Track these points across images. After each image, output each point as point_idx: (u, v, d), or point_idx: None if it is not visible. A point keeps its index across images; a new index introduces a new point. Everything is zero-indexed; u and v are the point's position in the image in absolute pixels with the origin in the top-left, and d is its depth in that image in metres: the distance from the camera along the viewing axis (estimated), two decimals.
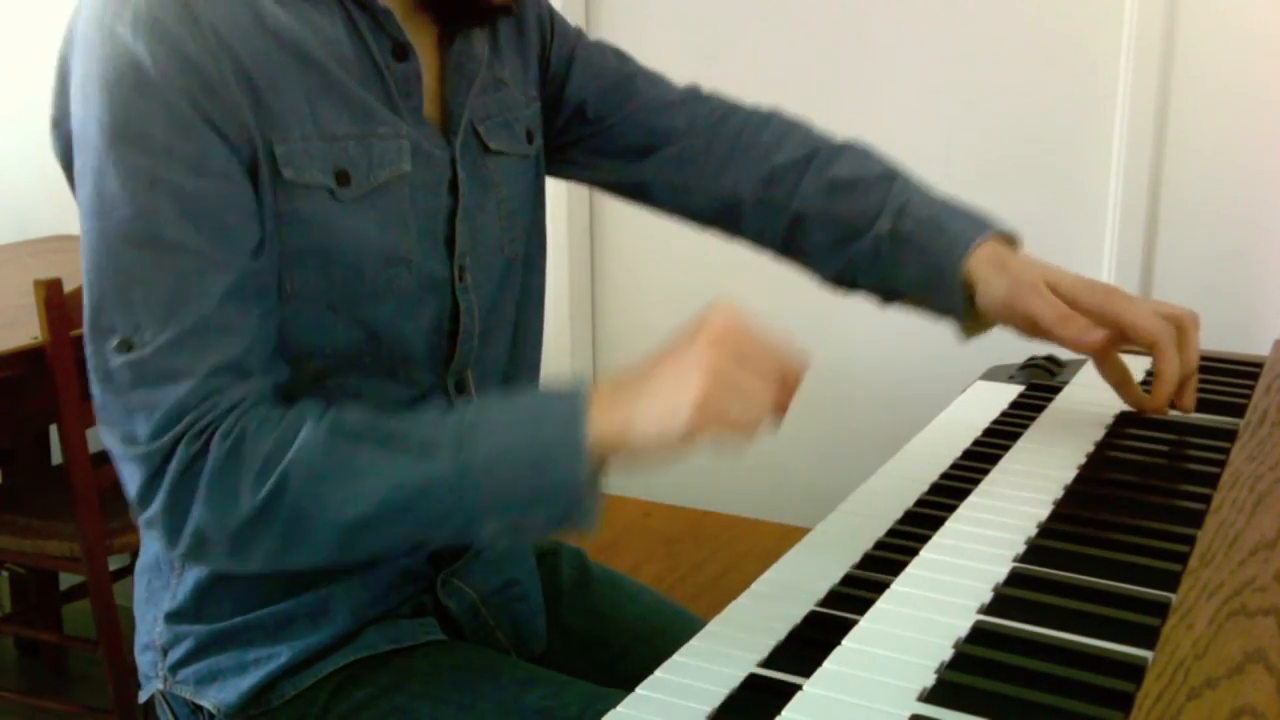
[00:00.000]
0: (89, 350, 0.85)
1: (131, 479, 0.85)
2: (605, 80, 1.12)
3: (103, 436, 0.86)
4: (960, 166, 1.94)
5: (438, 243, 0.96)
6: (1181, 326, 1.01)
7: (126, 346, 0.83)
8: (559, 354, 2.20)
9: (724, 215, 1.13)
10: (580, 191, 2.20)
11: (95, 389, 0.85)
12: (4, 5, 2.58)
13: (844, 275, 1.10)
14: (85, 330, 0.85)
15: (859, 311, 2.06)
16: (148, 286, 0.82)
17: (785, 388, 0.82)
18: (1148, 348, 1.01)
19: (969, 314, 1.04)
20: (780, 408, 0.82)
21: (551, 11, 1.12)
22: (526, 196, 1.07)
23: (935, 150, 1.96)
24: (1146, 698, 0.66)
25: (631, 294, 2.26)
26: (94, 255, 0.84)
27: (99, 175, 0.83)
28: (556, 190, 2.16)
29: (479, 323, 1.00)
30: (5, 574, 2.57)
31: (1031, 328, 1.02)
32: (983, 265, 1.02)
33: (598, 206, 2.23)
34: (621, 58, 1.15)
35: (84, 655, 2.51)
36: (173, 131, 0.81)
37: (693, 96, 1.15)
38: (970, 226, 1.04)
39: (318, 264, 0.89)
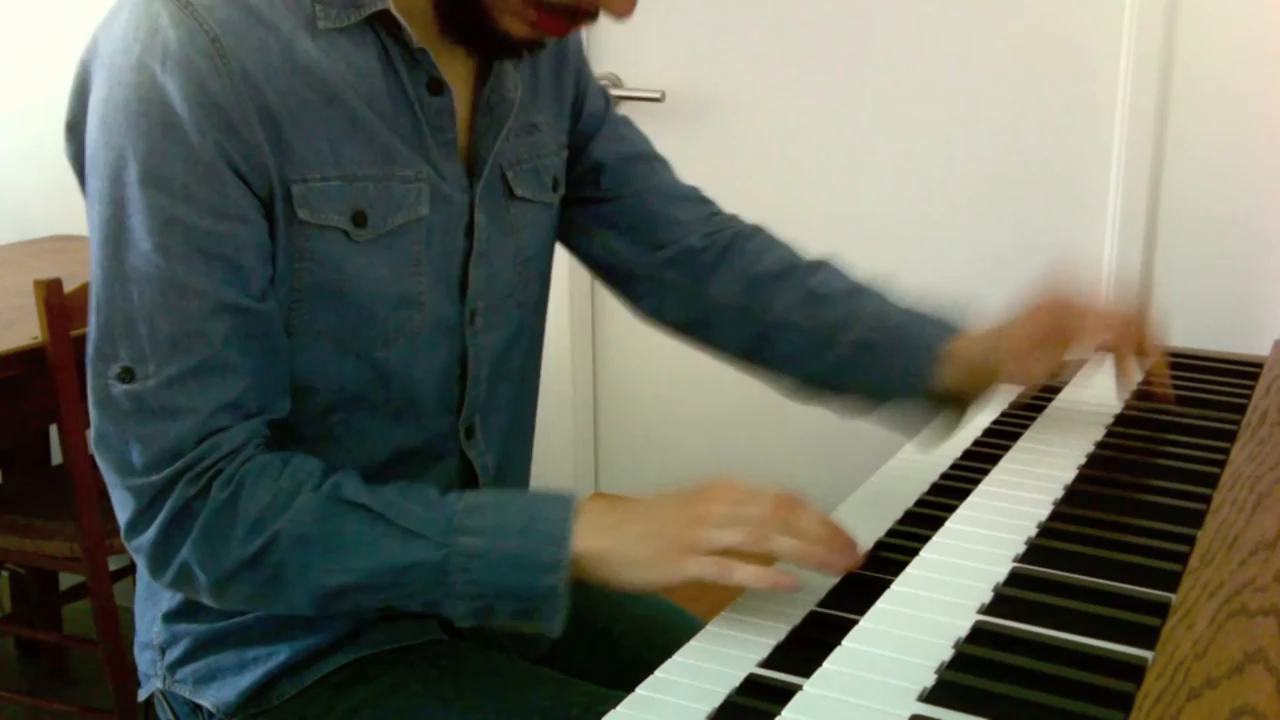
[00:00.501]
0: (90, 373, 0.86)
1: (124, 506, 0.86)
2: (627, 150, 1.12)
3: (98, 459, 0.87)
4: (960, 170, 1.94)
5: (451, 286, 0.96)
6: (1129, 323, 1.05)
7: (129, 376, 0.84)
8: (559, 357, 2.20)
9: (697, 323, 1.12)
10: None
11: (93, 413, 0.86)
12: (4, 6, 2.58)
13: (811, 385, 1.10)
14: (89, 352, 0.86)
15: None
16: (154, 323, 0.83)
17: (792, 506, 0.85)
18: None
19: (934, 412, 1.06)
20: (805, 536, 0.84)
21: (587, 64, 1.12)
22: (545, 244, 1.07)
23: (935, 154, 1.96)
24: (1146, 698, 0.66)
25: None
26: (104, 283, 0.84)
27: (117, 207, 0.83)
28: None
29: (488, 369, 1.00)
30: (5, 574, 2.57)
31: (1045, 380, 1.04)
32: (954, 369, 1.02)
33: None
34: (644, 138, 1.15)
35: (84, 655, 2.51)
36: (194, 172, 0.82)
37: (697, 195, 1.15)
38: (935, 330, 1.04)
39: (329, 303, 0.89)
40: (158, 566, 0.87)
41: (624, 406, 2.32)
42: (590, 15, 0.89)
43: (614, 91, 2.14)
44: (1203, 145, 1.77)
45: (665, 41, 2.11)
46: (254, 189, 0.85)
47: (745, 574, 0.82)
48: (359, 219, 0.88)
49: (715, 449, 2.23)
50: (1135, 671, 0.70)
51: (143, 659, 1.03)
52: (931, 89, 1.94)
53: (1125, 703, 0.67)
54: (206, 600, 0.89)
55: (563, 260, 1.13)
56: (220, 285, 0.84)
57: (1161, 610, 0.77)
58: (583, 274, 2.23)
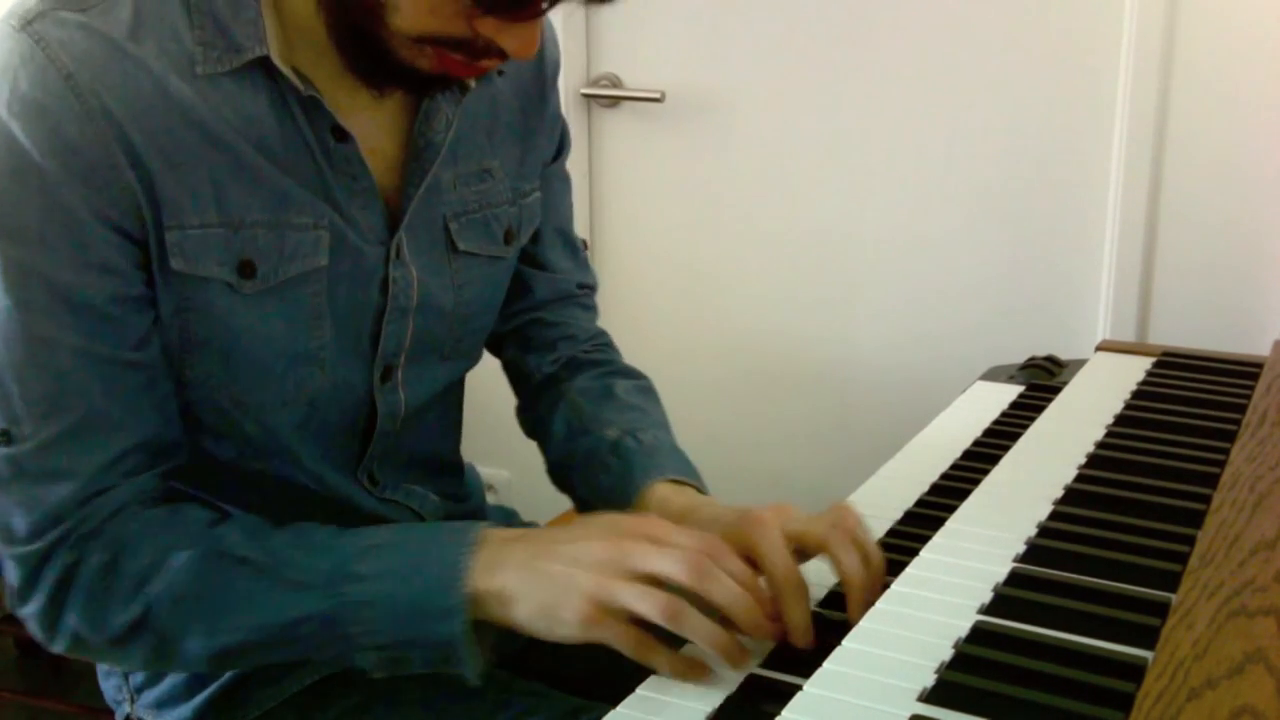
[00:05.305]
0: None
1: (10, 573, 0.82)
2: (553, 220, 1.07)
3: None
4: (961, 170, 1.94)
5: (360, 343, 0.89)
6: (843, 526, 0.84)
7: (5, 439, 0.79)
8: None
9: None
10: (580, 193, 2.20)
11: None
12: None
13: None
14: None
15: (859, 313, 2.06)
16: (24, 382, 0.78)
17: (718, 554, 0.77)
18: (817, 551, 0.84)
19: None
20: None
21: (565, 125, 1.05)
22: (491, 300, 1.00)
23: (934, 155, 1.96)
24: (1146, 698, 0.66)
25: (632, 294, 2.26)
26: None
27: None
28: None
29: (399, 423, 0.95)
30: None
31: None
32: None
33: (597, 208, 2.23)
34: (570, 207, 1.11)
35: None
36: (50, 222, 0.76)
37: (580, 298, 1.15)
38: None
39: (218, 357, 0.83)
40: (49, 635, 0.82)
41: None
42: (495, 53, 0.79)
43: (614, 91, 2.15)
44: (1203, 146, 1.77)
45: (665, 41, 2.11)
46: (129, 234, 0.78)
47: (662, 661, 0.75)
48: (246, 269, 0.81)
49: (713, 450, 2.23)
50: (1135, 671, 0.70)
51: (108, 686, 1.01)
52: (932, 89, 1.94)
53: (1125, 703, 0.67)
54: (111, 665, 0.85)
55: None
56: (90, 338, 0.78)
57: (1161, 610, 0.77)
58: None
